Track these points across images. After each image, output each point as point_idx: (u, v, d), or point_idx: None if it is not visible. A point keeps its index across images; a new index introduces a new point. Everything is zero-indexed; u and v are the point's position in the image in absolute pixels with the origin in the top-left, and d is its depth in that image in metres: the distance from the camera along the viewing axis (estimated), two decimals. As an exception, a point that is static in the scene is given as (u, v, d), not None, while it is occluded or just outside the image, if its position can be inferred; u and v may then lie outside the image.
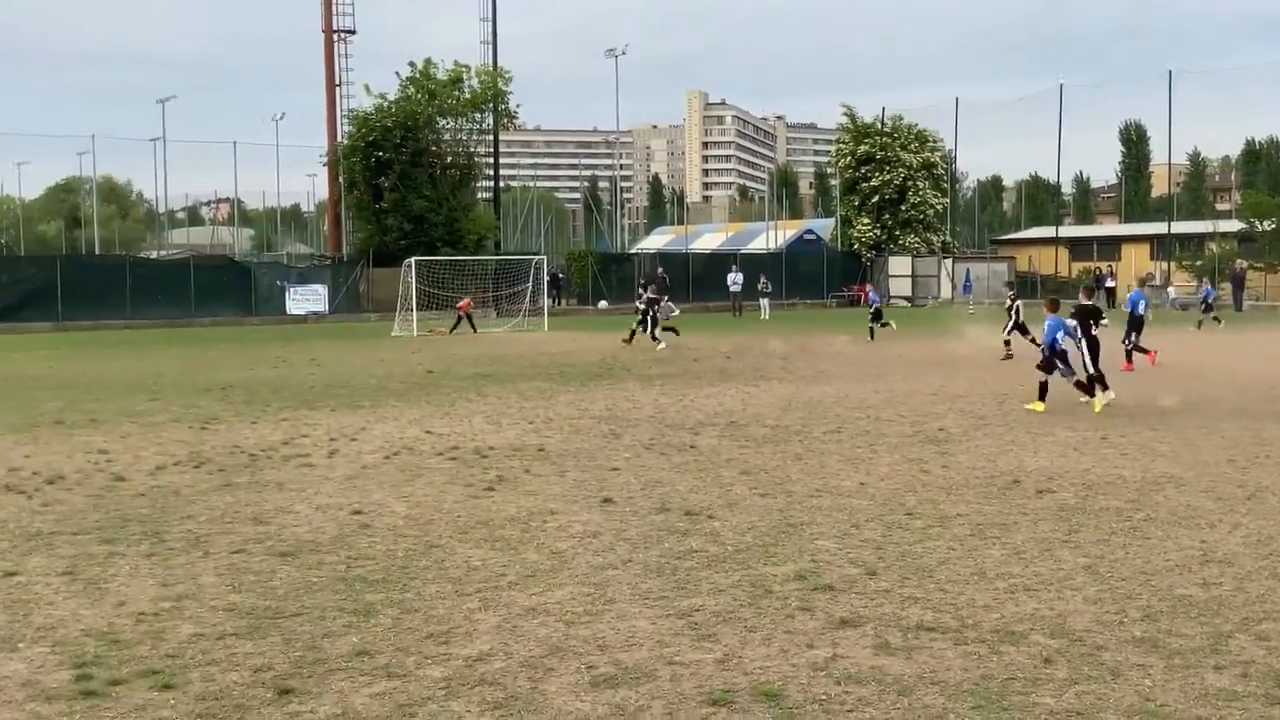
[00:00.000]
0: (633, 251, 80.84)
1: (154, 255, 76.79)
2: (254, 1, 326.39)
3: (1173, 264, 64.76)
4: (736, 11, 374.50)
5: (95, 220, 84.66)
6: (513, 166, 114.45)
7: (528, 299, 47.34)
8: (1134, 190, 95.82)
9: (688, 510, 10.88)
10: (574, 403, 19.75)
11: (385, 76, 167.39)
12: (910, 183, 69.33)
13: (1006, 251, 76.17)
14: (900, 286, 68.36)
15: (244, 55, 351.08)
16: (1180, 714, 5.94)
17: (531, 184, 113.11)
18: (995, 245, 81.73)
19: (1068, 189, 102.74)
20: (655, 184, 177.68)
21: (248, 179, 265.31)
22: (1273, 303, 57.73)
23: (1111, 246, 72.13)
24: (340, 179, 60.16)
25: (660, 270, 57.79)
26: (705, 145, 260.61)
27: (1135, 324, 25.28)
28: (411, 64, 58.49)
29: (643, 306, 35.12)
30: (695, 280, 63.08)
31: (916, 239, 69.65)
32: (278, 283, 54.97)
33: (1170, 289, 59.24)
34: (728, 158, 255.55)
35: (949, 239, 73.07)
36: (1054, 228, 78.89)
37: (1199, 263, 62.87)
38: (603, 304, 58.59)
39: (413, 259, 44.69)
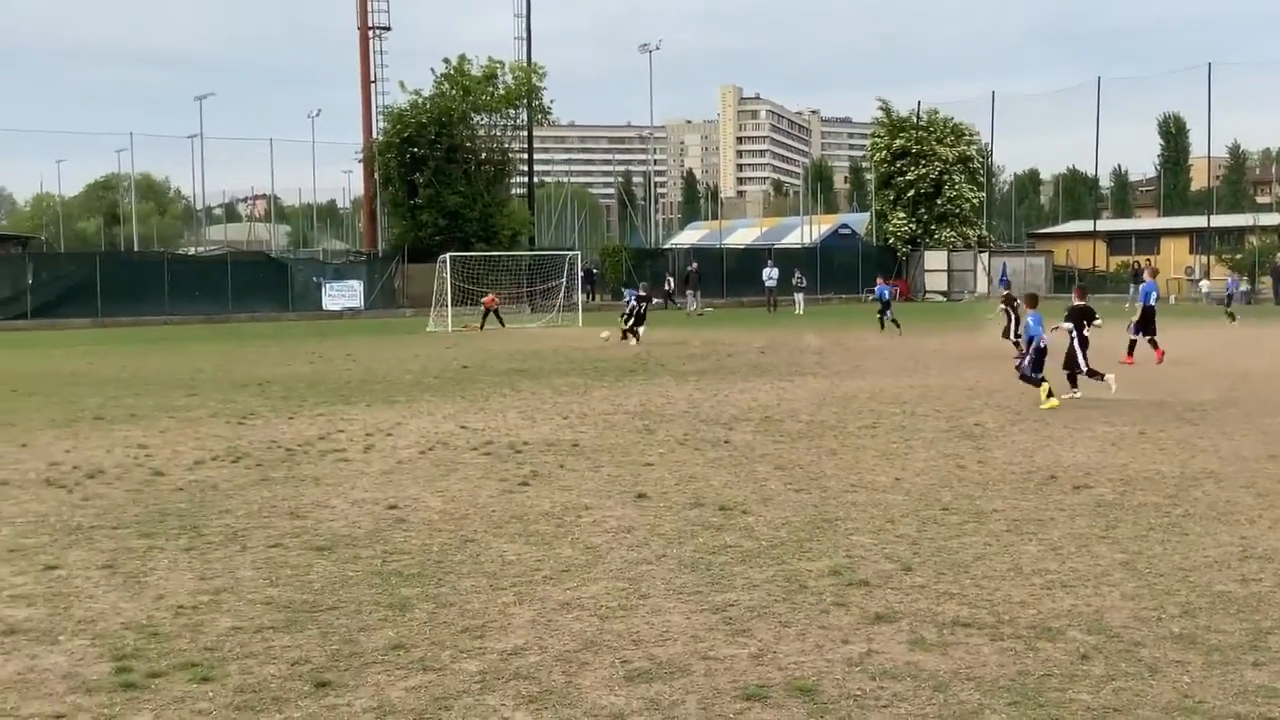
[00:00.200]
0: (666, 247, 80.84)
1: (192, 252, 77.39)
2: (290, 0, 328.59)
3: (1212, 258, 64.14)
4: (771, 6, 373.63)
5: (134, 217, 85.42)
6: (547, 162, 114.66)
7: (562, 294, 47.43)
8: (1173, 183, 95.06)
9: (722, 505, 10.88)
10: (608, 398, 19.77)
11: (420, 73, 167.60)
12: (946, 177, 68.97)
13: (1044, 246, 75.69)
14: (936, 281, 68.05)
15: (280, 53, 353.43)
16: (1219, 711, 5.89)
17: (565, 179, 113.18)
18: (1032, 239, 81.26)
19: (1106, 182, 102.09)
20: (689, 179, 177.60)
21: (284, 176, 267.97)
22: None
23: (1150, 240, 71.53)
24: (375, 175, 60.40)
25: (694, 265, 57.80)
26: (739, 140, 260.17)
27: (1147, 316, 25.20)
28: (446, 60, 58.68)
29: (635, 305, 35.16)
30: (729, 275, 63.01)
31: (952, 233, 69.28)
32: (314, 279, 55.27)
33: (1204, 283, 58.72)
34: (762, 152, 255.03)
35: (985, 233, 72.62)
36: (1092, 221, 78.35)
37: (1239, 256, 62.26)
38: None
39: (447, 255, 44.84)
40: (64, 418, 17.85)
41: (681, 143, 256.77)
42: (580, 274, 50.67)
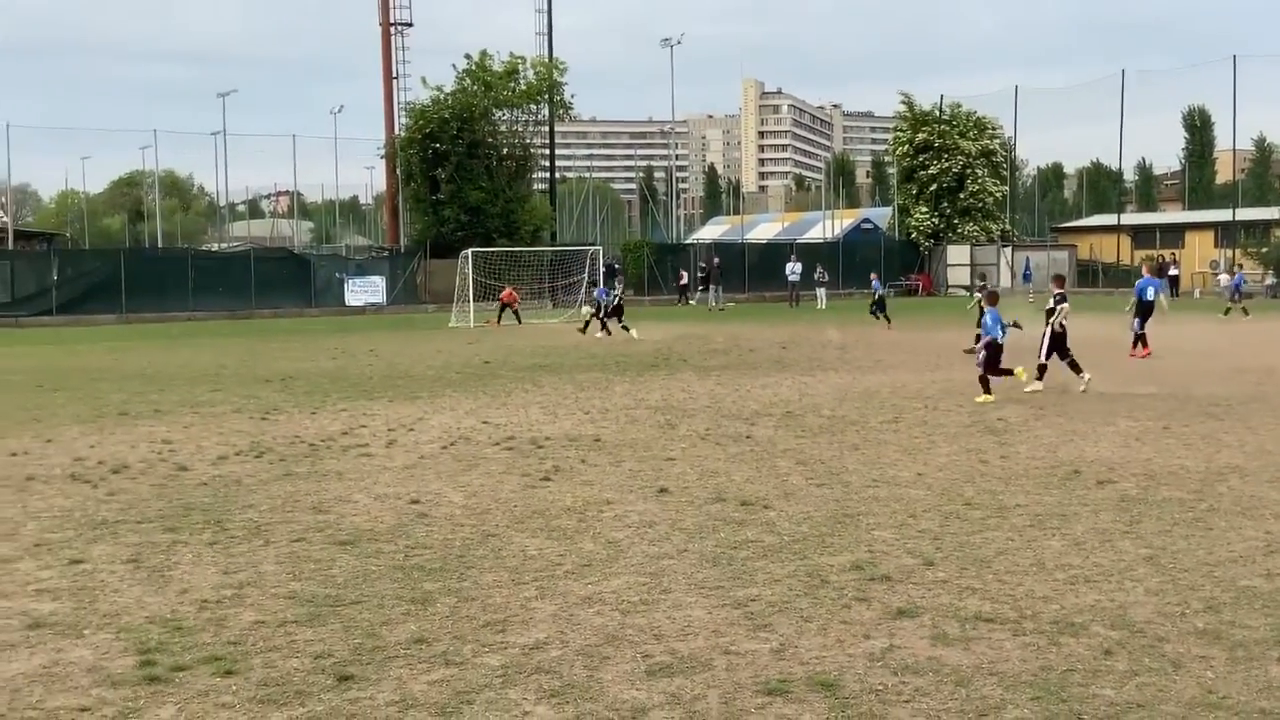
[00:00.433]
0: (688, 241, 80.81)
1: (215, 248, 77.76)
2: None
3: (1238, 251, 63.70)
4: (793, 0, 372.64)
5: (158, 214, 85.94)
6: (568, 157, 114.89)
7: (584, 290, 47.48)
8: (1198, 177, 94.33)
9: (744, 500, 10.87)
10: (630, 393, 19.78)
11: (441, 69, 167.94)
12: (969, 170, 68.68)
13: (1067, 239, 75.31)
14: (959, 275, 67.77)
15: (303, 49, 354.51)
16: (1243, 707, 5.86)
17: (587, 174, 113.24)
18: (1056, 233, 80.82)
19: (1130, 176, 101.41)
20: (711, 174, 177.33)
21: (307, 172, 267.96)
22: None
23: (1175, 234, 71.06)
24: (398, 171, 60.62)
25: (716, 259, 57.74)
26: (761, 134, 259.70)
27: (1144, 310, 25.58)
28: (467, 56, 58.90)
29: (605, 302, 35.22)
30: (751, 270, 62.92)
31: (975, 227, 68.98)
32: (336, 274, 55.50)
33: (1222, 276, 58.34)
34: (784, 147, 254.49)
35: (1008, 227, 72.29)
36: (1116, 215, 77.86)
37: (1264, 249, 61.79)
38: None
39: (469, 250, 44.94)
40: (89, 413, 17.97)
41: (703, 137, 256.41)
42: (602, 269, 50.72)
